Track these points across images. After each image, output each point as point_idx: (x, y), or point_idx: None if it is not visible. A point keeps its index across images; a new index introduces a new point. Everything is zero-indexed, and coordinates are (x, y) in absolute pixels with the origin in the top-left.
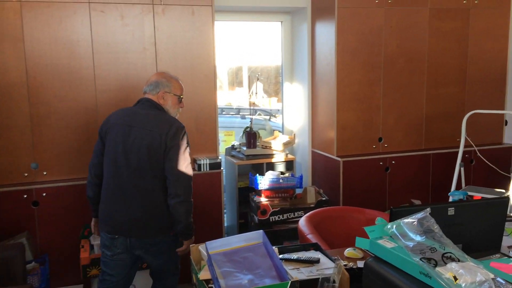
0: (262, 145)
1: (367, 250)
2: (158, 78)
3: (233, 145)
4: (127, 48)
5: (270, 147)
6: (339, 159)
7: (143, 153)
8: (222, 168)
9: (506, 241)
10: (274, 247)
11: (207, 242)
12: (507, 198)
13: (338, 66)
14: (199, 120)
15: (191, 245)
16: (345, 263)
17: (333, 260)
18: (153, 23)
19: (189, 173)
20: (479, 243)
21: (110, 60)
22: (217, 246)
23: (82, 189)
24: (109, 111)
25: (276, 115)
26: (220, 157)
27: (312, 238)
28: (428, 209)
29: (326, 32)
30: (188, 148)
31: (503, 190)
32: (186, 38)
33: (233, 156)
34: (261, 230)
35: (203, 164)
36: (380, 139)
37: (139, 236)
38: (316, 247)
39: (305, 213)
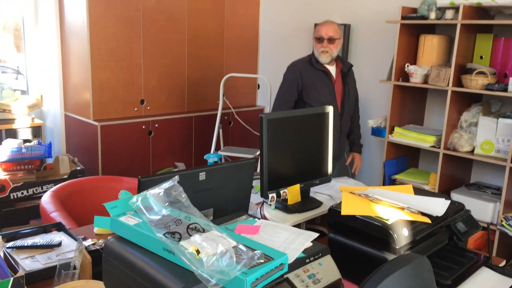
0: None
1: None
2: None
3: None
4: None
5: (10, 110)
6: (96, 123)
7: None
8: None
9: (255, 198)
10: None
11: None
12: (253, 159)
13: (91, 17)
14: None
15: None
16: (93, 241)
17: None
18: None
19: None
20: (229, 206)
21: None
22: None
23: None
24: None
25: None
26: None
27: (57, 216)
28: (177, 177)
29: None
30: (284, 84)
31: (257, 149)
32: None
33: None
34: None
35: None
36: (142, 102)
37: None
38: (59, 227)
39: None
